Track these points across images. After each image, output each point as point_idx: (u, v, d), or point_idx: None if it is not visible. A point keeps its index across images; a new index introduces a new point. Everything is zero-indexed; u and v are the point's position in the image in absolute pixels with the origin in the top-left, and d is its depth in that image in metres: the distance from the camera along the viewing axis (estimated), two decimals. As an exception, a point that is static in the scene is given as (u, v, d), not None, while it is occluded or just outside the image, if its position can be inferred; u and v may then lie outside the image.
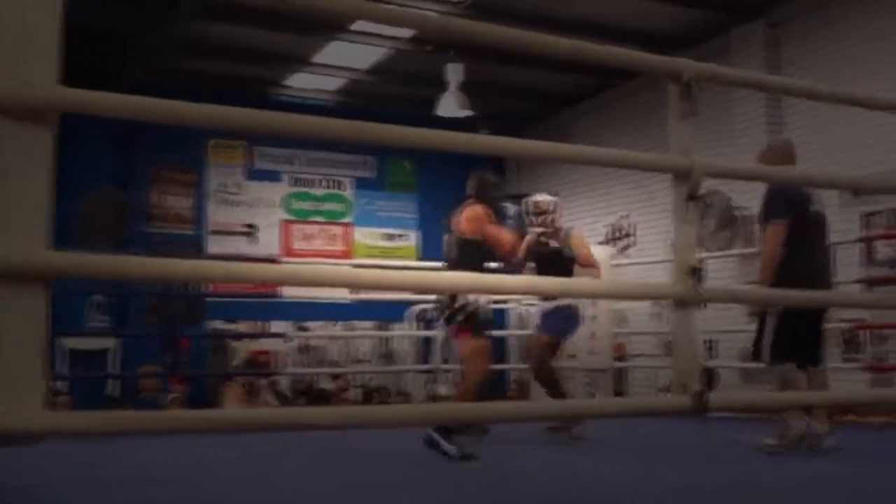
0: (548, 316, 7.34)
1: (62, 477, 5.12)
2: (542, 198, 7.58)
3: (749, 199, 10.68)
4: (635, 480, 4.74)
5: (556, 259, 7.20)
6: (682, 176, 3.17)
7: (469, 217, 6.28)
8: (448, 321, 6.13)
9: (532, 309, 8.38)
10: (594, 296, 4.66)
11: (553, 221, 7.39)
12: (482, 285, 3.82)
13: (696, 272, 3.17)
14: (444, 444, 5.63)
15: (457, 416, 3.44)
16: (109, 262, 2.43)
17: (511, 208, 6.96)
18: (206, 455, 6.22)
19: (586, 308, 9.60)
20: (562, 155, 3.47)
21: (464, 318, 6.02)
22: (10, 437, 2.05)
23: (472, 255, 6.10)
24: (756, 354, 5.97)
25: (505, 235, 6.41)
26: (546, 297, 7.32)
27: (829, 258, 6.25)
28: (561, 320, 7.27)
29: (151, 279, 6.58)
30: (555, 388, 7.24)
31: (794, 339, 5.75)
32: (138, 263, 2.49)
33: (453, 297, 5.99)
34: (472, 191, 6.52)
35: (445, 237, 6.65)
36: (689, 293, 3.16)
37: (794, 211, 5.87)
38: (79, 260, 2.31)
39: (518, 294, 11.12)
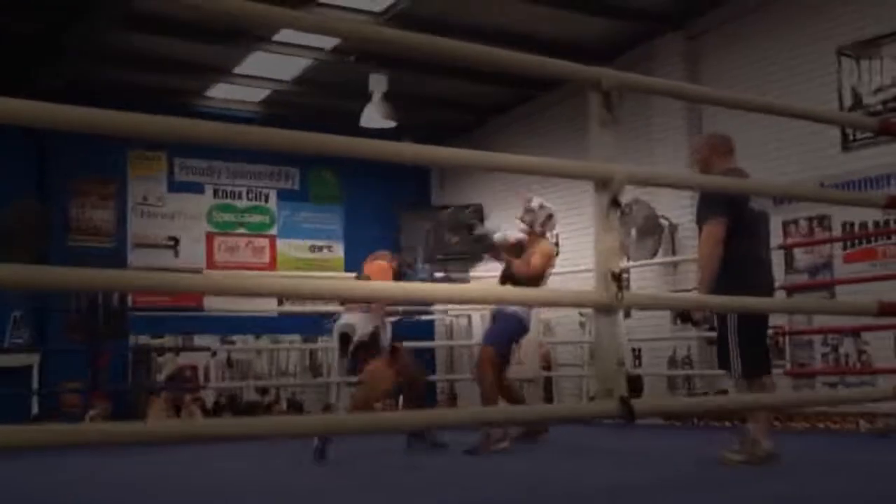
0: (490, 324, 7.50)
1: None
2: (531, 198, 7.74)
3: (671, 207, 10.86)
4: (563, 482, 4.78)
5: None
6: (603, 183, 3.21)
7: (376, 271, 7.20)
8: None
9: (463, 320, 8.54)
10: (517, 303, 4.67)
11: (532, 223, 7.45)
12: (405, 292, 3.82)
13: (618, 279, 3.21)
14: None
15: (370, 425, 3.43)
16: (34, 273, 2.40)
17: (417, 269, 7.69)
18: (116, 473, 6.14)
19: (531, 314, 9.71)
20: (482, 163, 3.49)
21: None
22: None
23: None
24: (725, 367, 5.48)
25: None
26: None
27: (771, 260, 5.77)
28: (499, 328, 7.29)
29: (91, 289, 6.47)
30: (511, 398, 7.39)
31: (760, 348, 5.48)
32: (77, 275, 2.46)
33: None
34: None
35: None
36: (611, 300, 3.19)
37: (732, 209, 5.38)
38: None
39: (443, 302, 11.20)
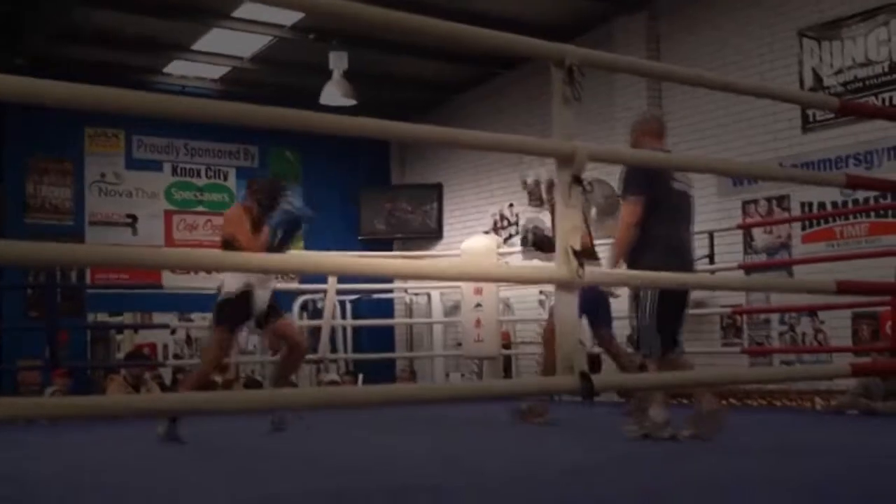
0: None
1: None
2: (525, 177, 7.79)
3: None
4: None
5: None
6: (565, 160, 3.21)
7: (226, 218, 6.92)
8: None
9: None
10: (479, 279, 4.64)
11: (541, 198, 7.65)
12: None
13: (578, 255, 3.21)
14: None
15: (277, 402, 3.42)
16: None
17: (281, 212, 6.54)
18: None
19: (468, 296, 9.71)
20: (444, 139, 3.47)
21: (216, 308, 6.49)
22: None
23: None
24: (640, 346, 5.47)
25: (243, 235, 6.41)
26: None
27: (692, 241, 5.68)
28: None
29: (50, 265, 6.37)
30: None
31: (671, 325, 5.37)
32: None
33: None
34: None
35: None
36: (572, 276, 3.20)
37: (652, 187, 5.29)
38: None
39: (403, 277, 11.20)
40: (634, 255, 5.22)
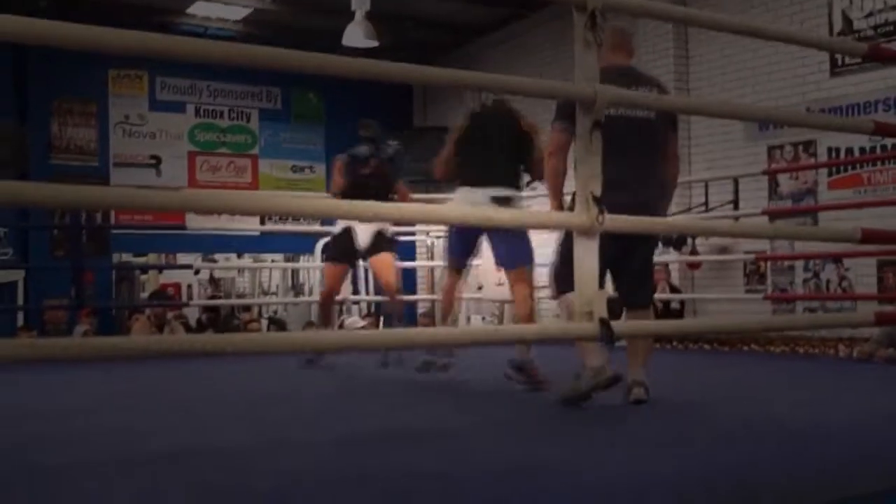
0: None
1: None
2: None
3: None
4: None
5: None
6: (586, 105, 3.19)
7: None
8: None
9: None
10: (499, 225, 4.57)
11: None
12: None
13: (598, 202, 3.21)
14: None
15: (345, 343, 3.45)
16: (23, 189, 2.37)
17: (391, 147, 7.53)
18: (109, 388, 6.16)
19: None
20: (466, 81, 3.45)
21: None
22: None
23: None
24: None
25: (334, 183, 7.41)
26: None
27: (650, 181, 4.63)
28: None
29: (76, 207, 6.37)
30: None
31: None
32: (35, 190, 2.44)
33: None
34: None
35: None
36: (592, 222, 3.20)
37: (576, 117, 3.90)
38: None
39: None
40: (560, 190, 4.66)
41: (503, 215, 4.30)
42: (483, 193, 5.76)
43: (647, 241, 4.79)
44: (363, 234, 7.15)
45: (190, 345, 2.87)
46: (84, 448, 3.53)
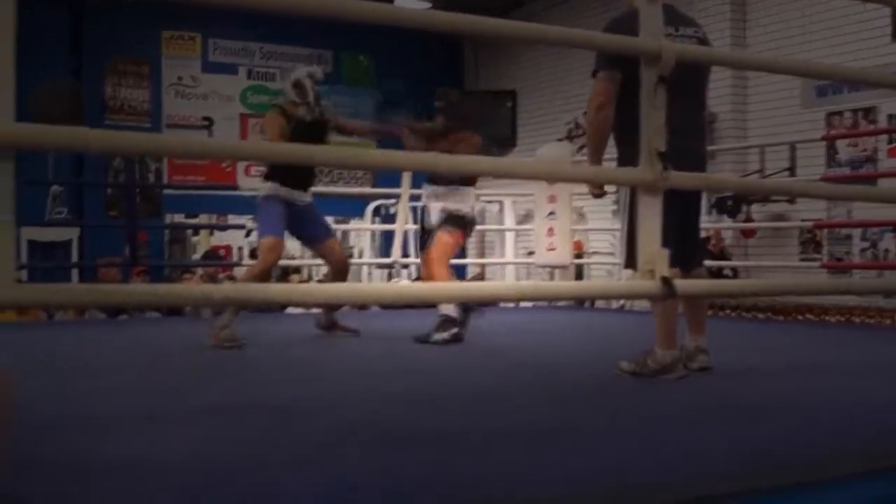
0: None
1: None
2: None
3: (709, 95, 10.70)
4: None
5: None
6: (651, 59, 3.14)
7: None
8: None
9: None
10: (563, 179, 4.50)
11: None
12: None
13: (663, 157, 3.16)
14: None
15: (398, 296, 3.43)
16: (72, 133, 2.37)
17: None
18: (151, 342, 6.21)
19: (541, 204, 9.65)
20: (522, 34, 3.40)
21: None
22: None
23: None
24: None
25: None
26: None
27: (702, 129, 4.40)
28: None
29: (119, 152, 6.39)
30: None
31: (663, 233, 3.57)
32: (99, 136, 2.44)
33: None
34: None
35: None
36: (656, 179, 3.15)
37: (633, 61, 3.49)
38: (43, 131, 2.26)
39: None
40: (622, 148, 4.22)
41: (564, 170, 4.25)
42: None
43: (700, 197, 4.61)
44: (432, 212, 6.45)
45: (255, 293, 2.87)
46: (134, 401, 3.55)
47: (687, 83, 3.97)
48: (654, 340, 4.09)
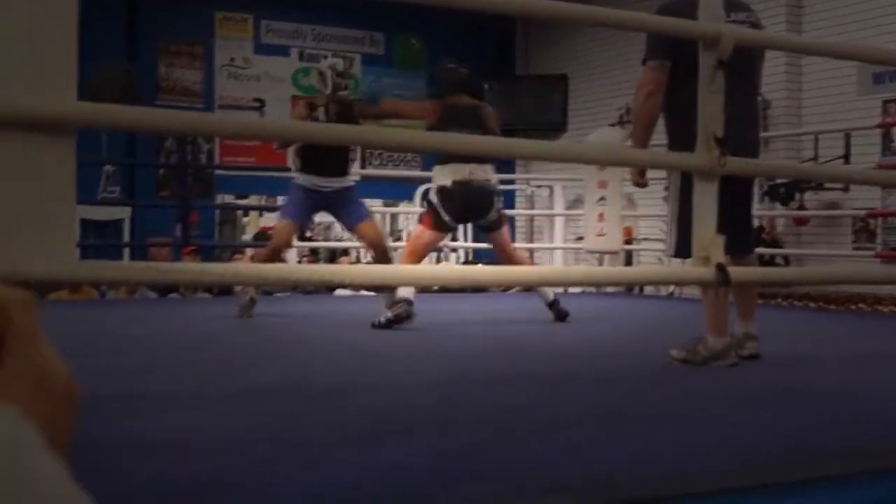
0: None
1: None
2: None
3: (764, 82, 10.60)
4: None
5: None
6: (710, 43, 3.12)
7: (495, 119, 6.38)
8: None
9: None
10: (618, 163, 4.49)
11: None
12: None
13: (720, 143, 3.14)
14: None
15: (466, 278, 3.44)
16: (135, 113, 2.40)
17: None
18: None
19: (592, 190, 9.62)
20: (578, 16, 3.37)
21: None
22: (48, 284, 2.05)
23: None
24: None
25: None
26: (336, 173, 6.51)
27: (755, 115, 4.38)
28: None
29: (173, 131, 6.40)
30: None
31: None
32: (162, 116, 2.47)
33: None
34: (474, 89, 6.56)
35: None
36: (713, 164, 3.14)
37: (683, 48, 3.76)
38: (107, 111, 2.29)
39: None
40: (672, 136, 4.24)
41: (620, 153, 4.23)
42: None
43: (751, 184, 4.64)
44: None
45: (309, 274, 2.89)
46: (187, 379, 3.59)
47: (741, 69, 3.87)
48: (704, 327, 4.08)
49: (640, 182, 4.55)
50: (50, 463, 0.51)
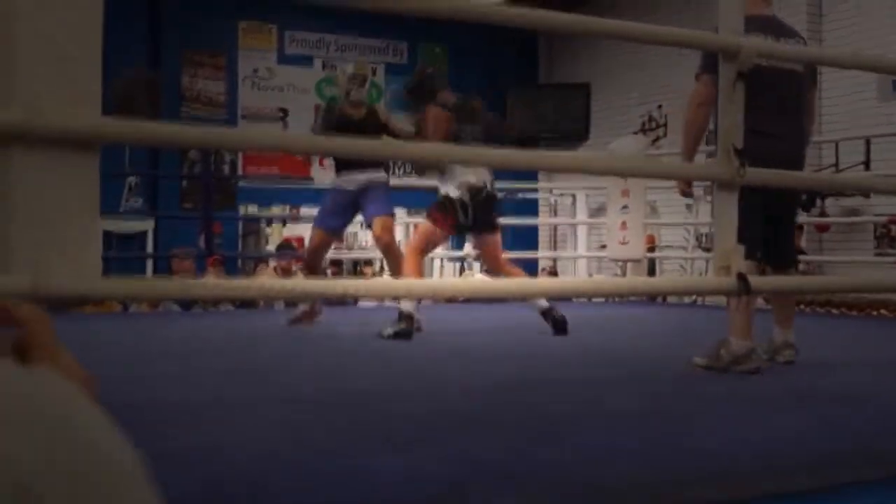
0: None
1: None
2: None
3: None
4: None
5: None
6: (730, 55, 3.13)
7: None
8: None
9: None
10: (637, 175, 4.53)
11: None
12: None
13: (740, 153, 3.15)
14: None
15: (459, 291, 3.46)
16: (162, 129, 2.43)
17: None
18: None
19: (615, 198, 9.62)
20: (595, 29, 3.37)
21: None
22: (72, 300, 2.08)
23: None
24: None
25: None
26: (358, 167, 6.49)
27: (801, 135, 4.51)
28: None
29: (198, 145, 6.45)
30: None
31: (749, 229, 3.70)
32: (183, 132, 2.50)
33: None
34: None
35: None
36: (733, 175, 3.15)
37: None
38: (133, 128, 2.32)
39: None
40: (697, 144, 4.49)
41: (642, 164, 4.25)
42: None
43: (797, 196, 4.86)
44: None
45: (331, 288, 2.92)
46: (218, 387, 3.63)
47: (790, 90, 4.32)
48: (729, 330, 4.13)
49: (688, 191, 4.78)
50: (98, 413, 0.58)
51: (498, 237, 6.18)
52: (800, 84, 4.47)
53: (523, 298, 5.52)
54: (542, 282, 3.89)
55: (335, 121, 6.39)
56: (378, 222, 6.42)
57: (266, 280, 9.57)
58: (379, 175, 6.57)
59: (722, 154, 3.15)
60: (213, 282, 3.13)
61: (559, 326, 5.85)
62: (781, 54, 4.03)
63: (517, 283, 4.10)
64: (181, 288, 2.74)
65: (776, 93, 4.19)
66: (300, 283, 3.55)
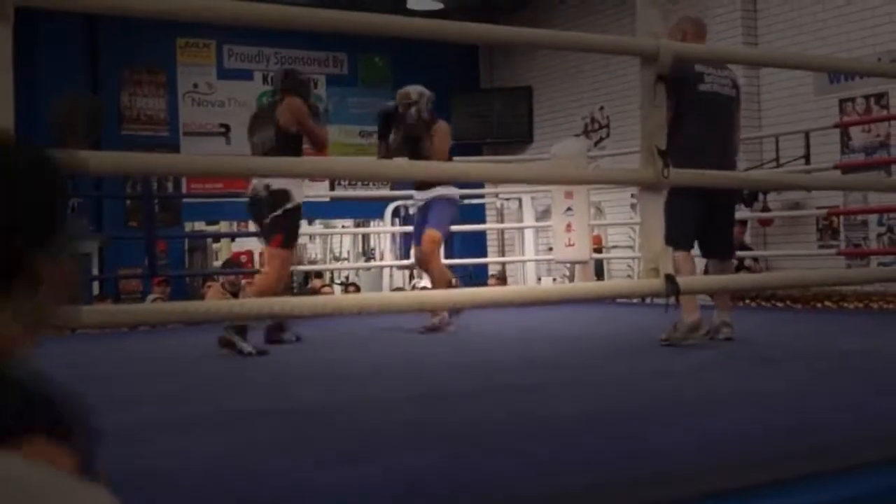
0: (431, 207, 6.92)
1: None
2: (409, 88, 7.09)
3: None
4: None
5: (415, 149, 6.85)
6: (649, 58, 3.17)
7: (291, 109, 6.15)
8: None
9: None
10: (564, 182, 4.61)
11: (420, 112, 6.86)
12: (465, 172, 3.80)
13: (663, 156, 3.19)
14: (240, 343, 5.42)
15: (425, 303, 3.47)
16: (108, 158, 2.42)
17: (320, 106, 7.18)
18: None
19: (559, 201, 9.67)
20: (529, 40, 3.44)
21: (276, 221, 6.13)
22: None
23: (289, 148, 6.10)
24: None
25: (322, 130, 6.54)
26: (421, 187, 6.98)
27: (731, 147, 5.34)
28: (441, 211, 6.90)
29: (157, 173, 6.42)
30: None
31: (683, 224, 4.82)
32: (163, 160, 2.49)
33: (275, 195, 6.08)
34: (285, 85, 6.37)
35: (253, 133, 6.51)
36: (657, 177, 3.19)
37: (677, 91, 4.64)
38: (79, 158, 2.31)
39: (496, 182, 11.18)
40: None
41: (569, 173, 4.29)
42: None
43: (730, 197, 5.56)
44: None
45: (270, 307, 2.92)
46: (160, 409, 3.61)
47: (721, 108, 5.22)
48: (681, 312, 4.86)
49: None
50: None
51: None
52: (732, 106, 5.31)
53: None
54: (491, 291, 3.88)
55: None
56: (424, 237, 6.87)
57: (214, 294, 9.51)
58: (433, 193, 6.83)
59: (645, 156, 3.19)
60: (183, 305, 3.10)
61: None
62: (704, 54, 4.09)
63: (474, 292, 4.12)
64: (159, 314, 2.73)
65: (715, 112, 5.18)
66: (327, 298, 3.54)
